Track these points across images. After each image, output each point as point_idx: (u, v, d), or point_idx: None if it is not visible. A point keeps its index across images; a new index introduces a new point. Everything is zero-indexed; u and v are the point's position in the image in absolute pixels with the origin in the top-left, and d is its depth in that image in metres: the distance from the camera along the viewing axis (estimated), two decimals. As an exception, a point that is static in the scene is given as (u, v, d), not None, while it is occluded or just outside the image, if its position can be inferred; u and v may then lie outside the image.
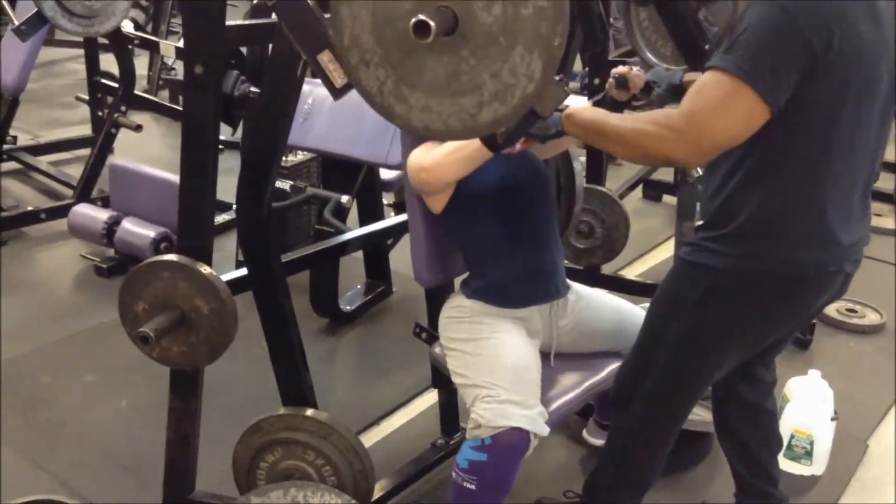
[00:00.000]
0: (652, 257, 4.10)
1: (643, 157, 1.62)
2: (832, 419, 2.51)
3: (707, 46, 2.26)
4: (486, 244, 2.03)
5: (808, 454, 2.48)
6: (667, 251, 4.04)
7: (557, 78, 1.23)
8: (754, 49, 1.48)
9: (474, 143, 1.77)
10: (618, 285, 3.35)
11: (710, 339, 1.78)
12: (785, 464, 2.49)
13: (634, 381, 1.91)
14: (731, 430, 2.12)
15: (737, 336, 1.78)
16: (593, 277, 3.34)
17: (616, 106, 2.05)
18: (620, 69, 2.07)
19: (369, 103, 1.32)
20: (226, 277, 1.87)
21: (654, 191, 4.83)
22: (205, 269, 1.80)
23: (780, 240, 1.65)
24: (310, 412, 1.93)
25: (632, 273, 3.83)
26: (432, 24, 1.14)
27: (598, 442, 2.45)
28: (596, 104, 2.09)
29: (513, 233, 2.02)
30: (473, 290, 2.05)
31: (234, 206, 1.99)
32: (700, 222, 1.77)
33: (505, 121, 1.25)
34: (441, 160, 1.86)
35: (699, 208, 1.81)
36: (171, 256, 1.83)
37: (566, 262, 3.32)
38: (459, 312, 2.04)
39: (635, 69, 2.07)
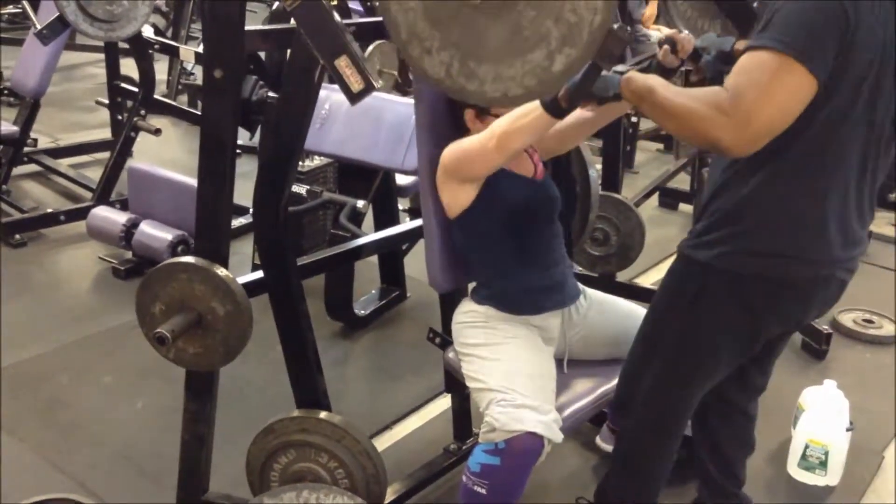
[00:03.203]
0: (667, 265, 4.04)
1: (691, 137, 1.55)
2: (847, 430, 2.49)
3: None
4: (496, 260, 2.04)
5: (823, 465, 2.46)
6: (682, 259, 4.03)
7: (616, 26, 1.19)
8: (793, 22, 1.45)
9: (536, 111, 1.68)
10: (632, 293, 3.33)
11: (703, 338, 1.79)
12: (800, 474, 2.48)
13: (635, 381, 1.92)
14: (708, 429, 2.09)
15: (729, 335, 1.78)
16: (608, 285, 3.34)
17: (664, 72, 1.88)
18: (669, 32, 1.94)
19: (441, 89, 1.29)
20: (242, 280, 1.88)
21: (670, 199, 4.82)
22: (221, 272, 1.82)
23: (774, 239, 1.64)
24: (323, 415, 1.94)
25: (647, 281, 3.82)
26: None
27: (611, 448, 2.44)
28: (643, 70, 1.90)
29: (524, 252, 2.03)
30: (484, 296, 2.05)
31: (251, 210, 2.00)
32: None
33: (581, 63, 1.21)
34: (505, 129, 1.75)
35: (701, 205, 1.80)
36: (189, 258, 1.85)
37: (581, 269, 3.34)
38: (473, 318, 2.04)
39: (685, 32, 1.92)
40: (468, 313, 2.06)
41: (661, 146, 5.86)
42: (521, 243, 2.02)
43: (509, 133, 1.76)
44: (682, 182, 4.73)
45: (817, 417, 2.49)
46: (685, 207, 4.68)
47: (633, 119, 4.97)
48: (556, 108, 1.64)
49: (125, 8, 3.48)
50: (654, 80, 1.59)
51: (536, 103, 1.65)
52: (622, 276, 3.53)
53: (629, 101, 1.63)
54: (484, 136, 1.82)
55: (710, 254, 1.70)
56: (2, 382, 2.79)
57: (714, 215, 1.71)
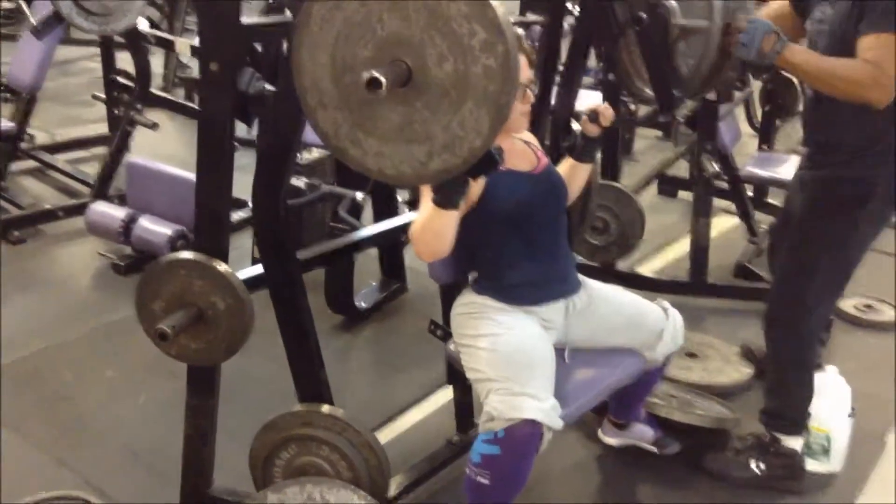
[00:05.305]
0: (667, 253, 4.08)
1: (840, 95, 2.05)
2: (849, 416, 2.49)
3: (676, 92, 2.47)
4: (500, 254, 2.04)
5: (826, 451, 2.46)
6: (682, 247, 4.02)
7: (493, 147, 1.32)
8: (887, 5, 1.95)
9: (440, 213, 1.73)
10: (633, 281, 3.34)
11: (844, 240, 2.17)
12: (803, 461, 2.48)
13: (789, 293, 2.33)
14: None
15: (863, 233, 2.19)
16: (608, 273, 3.34)
17: (590, 142, 2.19)
18: (592, 105, 2.13)
19: (324, 144, 1.38)
20: (242, 275, 1.88)
21: (669, 186, 4.81)
22: (221, 266, 1.81)
23: (877, 156, 2.11)
24: (325, 409, 1.94)
25: (647, 269, 3.82)
26: (384, 80, 1.19)
27: (614, 441, 2.44)
28: (569, 148, 2.23)
29: (528, 246, 2.04)
30: (484, 287, 2.05)
31: (250, 204, 2.00)
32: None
33: (454, 170, 1.32)
34: (421, 238, 1.80)
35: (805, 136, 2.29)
36: (187, 254, 1.84)
37: (581, 258, 3.34)
38: (471, 308, 2.04)
39: (604, 104, 2.13)
40: (467, 304, 2.06)
41: (659, 133, 5.85)
42: (526, 237, 2.02)
43: (425, 242, 1.80)
44: (682, 169, 4.71)
45: (819, 404, 2.48)
46: (684, 194, 4.66)
47: (632, 107, 4.95)
48: (444, 203, 1.69)
49: (119, 1, 3.46)
50: (806, 56, 2.09)
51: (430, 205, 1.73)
52: (622, 265, 3.53)
53: (785, 69, 2.14)
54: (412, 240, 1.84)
55: (828, 171, 2.18)
56: (4, 379, 2.79)
57: (827, 143, 2.20)
